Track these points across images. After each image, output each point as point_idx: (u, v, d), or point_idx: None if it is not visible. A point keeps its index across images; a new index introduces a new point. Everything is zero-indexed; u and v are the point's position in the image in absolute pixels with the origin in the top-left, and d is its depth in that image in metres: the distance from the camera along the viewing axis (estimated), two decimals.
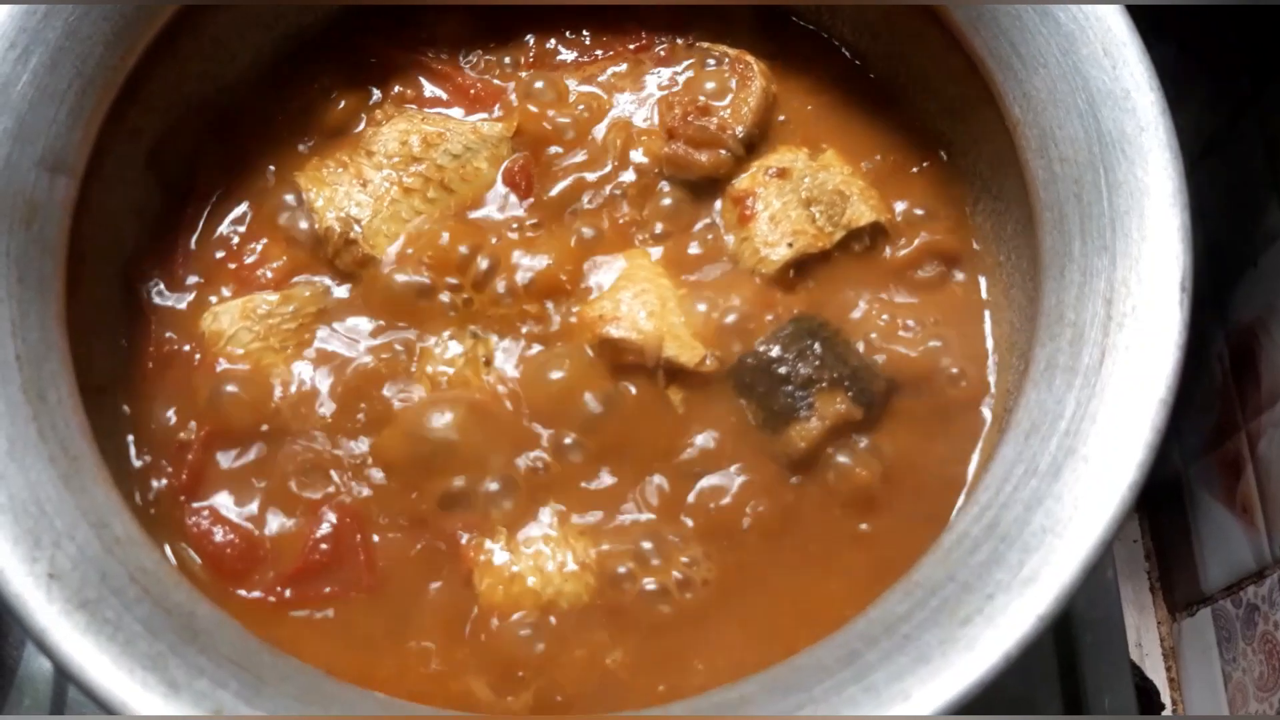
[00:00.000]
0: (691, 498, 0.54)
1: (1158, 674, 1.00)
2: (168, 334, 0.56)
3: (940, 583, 0.46)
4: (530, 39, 0.61)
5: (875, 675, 0.43)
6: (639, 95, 0.60)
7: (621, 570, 0.53)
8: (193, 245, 0.57)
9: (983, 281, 0.57)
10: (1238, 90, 0.87)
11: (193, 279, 0.57)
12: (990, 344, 0.56)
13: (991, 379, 0.55)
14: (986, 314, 0.57)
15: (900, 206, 0.58)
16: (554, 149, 0.59)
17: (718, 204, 0.58)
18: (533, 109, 0.59)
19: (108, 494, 0.47)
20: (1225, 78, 0.87)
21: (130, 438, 0.54)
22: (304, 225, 0.58)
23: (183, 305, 0.56)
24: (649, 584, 0.53)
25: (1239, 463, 0.91)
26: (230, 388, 0.55)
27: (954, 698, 0.42)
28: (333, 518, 0.54)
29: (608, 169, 0.59)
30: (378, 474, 0.54)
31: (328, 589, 0.53)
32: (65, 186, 0.49)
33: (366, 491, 0.54)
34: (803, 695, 0.44)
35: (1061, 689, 0.68)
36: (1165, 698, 0.98)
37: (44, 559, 0.43)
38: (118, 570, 0.45)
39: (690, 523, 0.54)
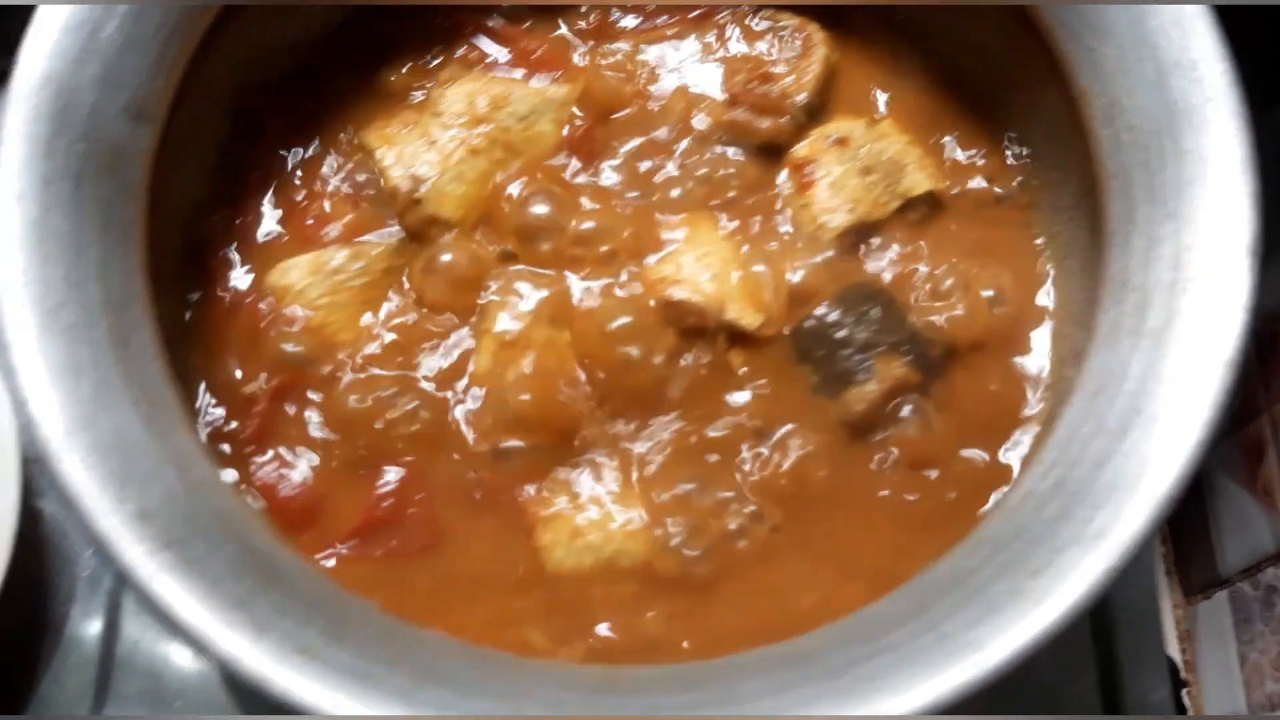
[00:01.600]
0: (751, 460, 0.55)
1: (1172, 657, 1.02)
2: (237, 287, 0.56)
3: (1008, 538, 0.47)
4: (593, 5, 0.62)
5: (947, 624, 0.44)
6: (701, 62, 0.60)
7: (682, 529, 0.54)
8: (263, 201, 0.58)
9: (1039, 250, 0.58)
10: (1270, 75, 0.88)
11: (262, 234, 0.57)
12: (1046, 311, 0.57)
13: (1048, 346, 0.56)
14: (1042, 282, 0.58)
15: (957, 175, 0.59)
16: (617, 113, 0.59)
17: (778, 171, 0.59)
18: (596, 73, 0.60)
19: (188, 439, 0.48)
20: (1258, 62, 0.88)
21: (199, 388, 0.55)
22: (372, 183, 0.58)
23: (252, 259, 0.57)
24: (709, 543, 0.53)
25: (1261, 446, 0.92)
26: (298, 343, 0.55)
27: (1025, 647, 0.43)
28: (396, 474, 0.54)
29: (669, 134, 0.59)
30: (443, 430, 0.55)
31: (389, 544, 0.54)
32: (148, 135, 0.50)
33: (431, 448, 0.55)
34: (875, 644, 0.45)
35: (1096, 657, 0.69)
36: None
37: (132, 499, 0.43)
38: (202, 512, 0.46)
39: (750, 484, 0.54)
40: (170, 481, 0.45)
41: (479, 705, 0.43)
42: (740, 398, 0.56)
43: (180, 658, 0.66)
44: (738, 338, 0.56)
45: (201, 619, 0.42)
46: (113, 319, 0.47)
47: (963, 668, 0.43)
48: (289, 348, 0.55)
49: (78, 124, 0.47)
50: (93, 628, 0.67)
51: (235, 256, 0.57)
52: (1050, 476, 0.47)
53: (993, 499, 0.53)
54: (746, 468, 0.55)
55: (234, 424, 0.55)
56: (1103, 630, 0.70)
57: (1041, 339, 0.57)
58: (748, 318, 0.56)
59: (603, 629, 0.53)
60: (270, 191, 0.58)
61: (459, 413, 0.55)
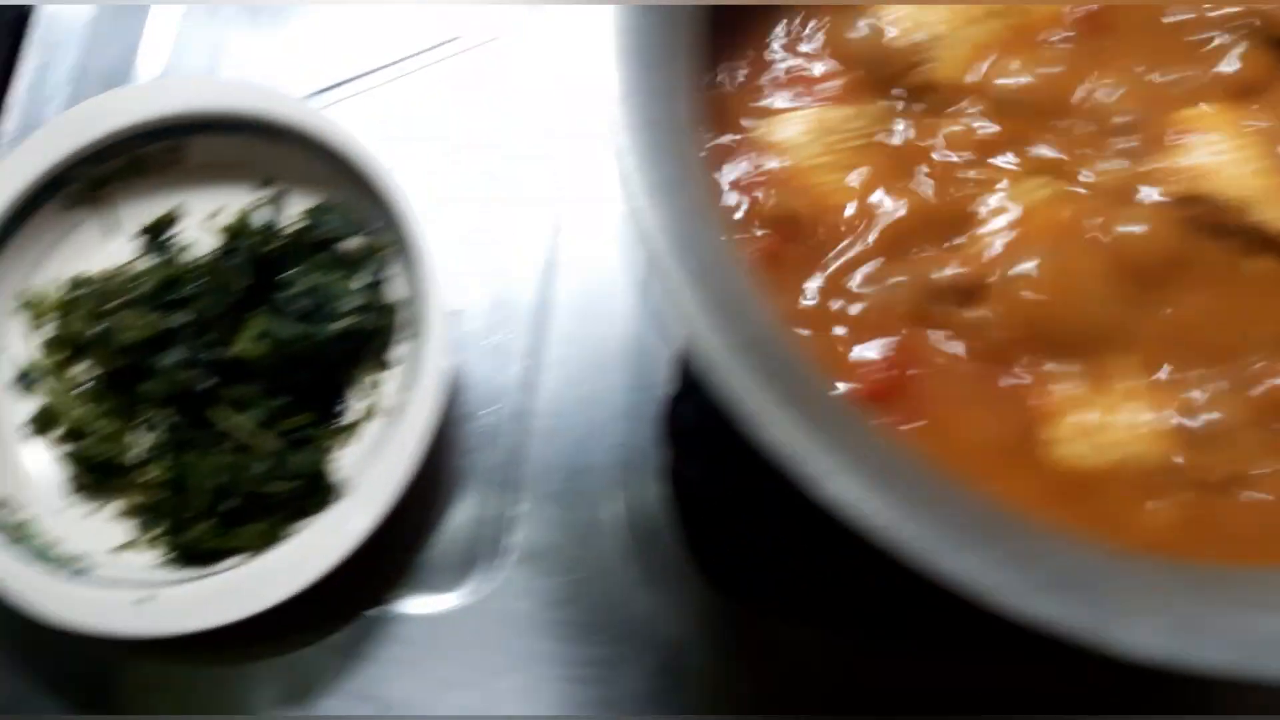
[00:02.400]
0: (1270, 378, 0.51)
1: None
2: (732, 136, 0.54)
3: None
4: None
5: None
6: None
7: (1195, 440, 0.50)
8: (763, 50, 0.55)
9: None
10: None
11: (760, 85, 0.54)
12: None
13: None
14: None
15: None
16: None
17: None
18: None
19: (746, 283, 0.46)
20: None
21: None
22: (869, 44, 0.55)
23: (747, 112, 0.54)
24: (1240, 451, 0.50)
25: None
26: (790, 200, 0.53)
27: None
28: (898, 343, 0.51)
29: (1186, 15, 0.55)
30: (951, 304, 0.51)
31: (895, 416, 0.51)
32: None
33: (938, 321, 0.52)
34: None
35: None
36: None
37: (736, 329, 0.41)
38: (777, 351, 0.43)
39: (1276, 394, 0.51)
40: (753, 316, 0.43)
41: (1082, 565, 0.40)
42: (1264, 307, 0.52)
43: (578, 517, 0.64)
44: (1263, 243, 0.52)
45: (814, 458, 0.40)
46: (690, 140, 0.44)
47: None
48: (783, 204, 0.52)
49: None
50: (487, 486, 0.65)
51: (732, 105, 0.54)
52: None
53: None
54: (1264, 388, 0.51)
55: None
56: None
57: None
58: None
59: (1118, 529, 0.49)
60: (771, 42, 0.55)
61: (967, 287, 0.52)
